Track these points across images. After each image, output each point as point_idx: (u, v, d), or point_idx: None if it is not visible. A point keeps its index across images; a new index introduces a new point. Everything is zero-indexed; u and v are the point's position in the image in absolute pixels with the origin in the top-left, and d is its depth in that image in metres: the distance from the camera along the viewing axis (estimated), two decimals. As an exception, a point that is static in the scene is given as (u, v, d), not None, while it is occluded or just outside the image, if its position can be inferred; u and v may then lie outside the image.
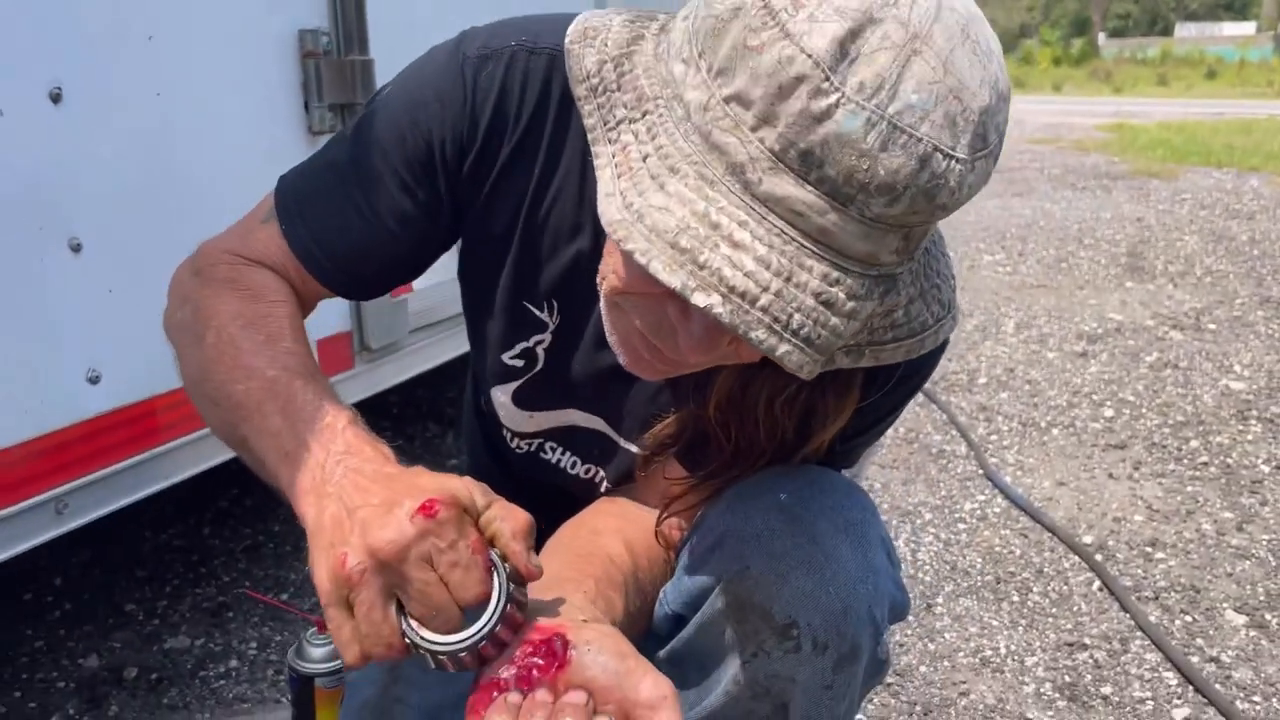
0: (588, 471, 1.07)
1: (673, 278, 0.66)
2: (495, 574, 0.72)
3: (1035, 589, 2.27)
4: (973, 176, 0.68)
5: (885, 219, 0.68)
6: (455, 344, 2.27)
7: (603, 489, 1.07)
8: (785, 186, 0.67)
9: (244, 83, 1.66)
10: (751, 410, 0.92)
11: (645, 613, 0.98)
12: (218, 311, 0.87)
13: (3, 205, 1.30)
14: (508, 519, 0.73)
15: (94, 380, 1.41)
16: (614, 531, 0.99)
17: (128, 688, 1.89)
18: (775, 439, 0.94)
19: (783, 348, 0.67)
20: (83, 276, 1.38)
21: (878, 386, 0.95)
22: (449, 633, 0.72)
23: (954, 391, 3.55)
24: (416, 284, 2.17)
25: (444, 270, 2.28)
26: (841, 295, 0.68)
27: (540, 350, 1.00)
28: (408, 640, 0.71)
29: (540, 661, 0.73)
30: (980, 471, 2.89)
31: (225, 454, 1.65)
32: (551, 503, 1.00)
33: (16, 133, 1.31)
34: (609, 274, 0.80)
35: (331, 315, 1.88)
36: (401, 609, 0.71)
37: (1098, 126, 13.15)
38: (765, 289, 0.66)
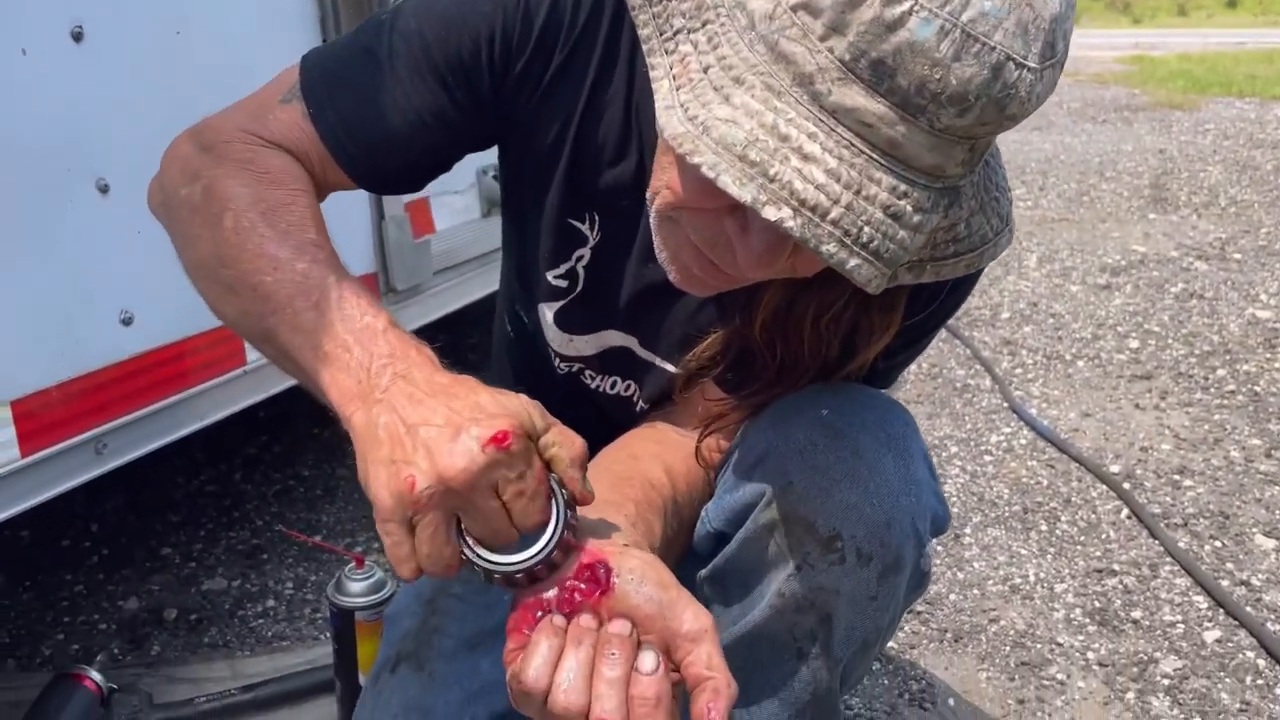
0: (628, 389, 1.07)
1: (743, 191, 0.65)
2: (554, 500, 0.73)
3: (1063, 518, 2.27)
4: (1041, 86, 0.67)
5: (954, 130, 0.67)
6: (478, 285, 2.27)
7: (638, 408, 1.07)
8: (855, 97, 0.65)
9: (262, 18, 1.64)
10: (797, 327, 0.91)
11: (683, 535, 0.99)
12: (235, 194, 0.83)
13: (30, 146, 1.30)
14: (566, 444, 0.73)
15: (127, 322, 1.41)
16: (652, 456, 0.99)
17: (168, 628, 1.91)
18: (820, 356, 0.93)
19: (852, 261, 0.67)
20: (111, 218, 1.38)
21: (922, 304, 0.94)
22: (503, 551, 0.73)
23: (977, 326, 3.53)
24: (439, 225, 2.17)
25: (466, 211, 2.29)
26: (909, 208, 0.67)
27: (580, 269, 1.00)
28: (464, 558, 0.73)
29: (583, 586, 0.73)
30: (1005, 405, 2.88)
31: (258, 395, 1.66)
32: (588, 426, 1.00)
33: (40, 72, 1.30)
34: (662, 189, 0.78)
35: (356, 257, 1.88)
36: (459, 527, 0.72)
37: (1116, 59, 12.90)
38: (835, 202, 0.65)
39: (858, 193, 0.66)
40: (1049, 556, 2.12)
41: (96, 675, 1.55)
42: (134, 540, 2.21)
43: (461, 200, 2.19)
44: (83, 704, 1.52)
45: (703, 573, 0.97)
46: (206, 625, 1.92)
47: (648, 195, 0.82)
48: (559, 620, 0.72)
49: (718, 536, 0.96)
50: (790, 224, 0.65)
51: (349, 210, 1.83)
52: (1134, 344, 3.30)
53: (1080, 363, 3.18)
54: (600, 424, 1.05)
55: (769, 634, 0.91)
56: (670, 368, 1.02)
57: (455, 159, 0.96)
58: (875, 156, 0.66)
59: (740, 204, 0.66)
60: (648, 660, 0.69)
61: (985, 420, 2.80)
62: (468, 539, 0.72)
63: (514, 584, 0.74)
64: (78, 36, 1.33)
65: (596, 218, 0.96)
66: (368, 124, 0.89)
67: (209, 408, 1.56)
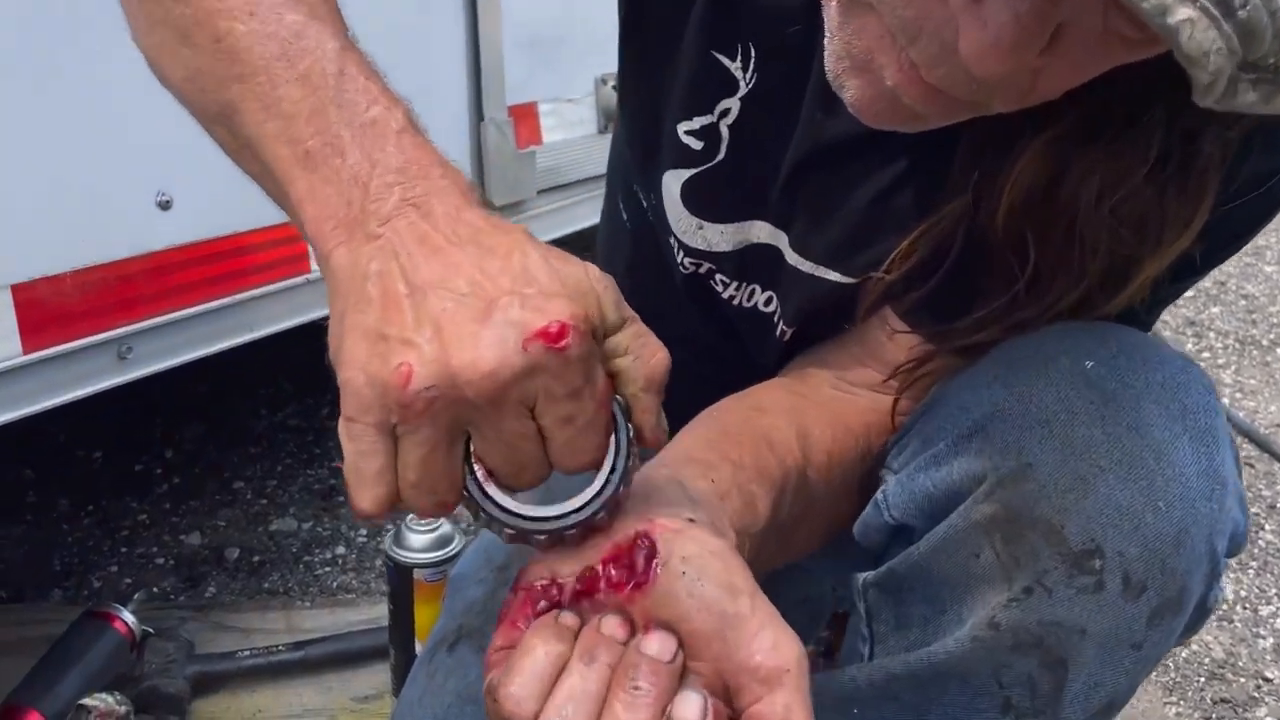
0: (768, 303, 0.80)
1: None
2: (614, 435, 0.51)
3: (1268, 527, 1.97)
4: None
5: None
6: (588, 211, 2.03)
7: (778, 332, 0.80)
8: None
9: None
10: (1066, 213, 0.63)
11: (811, 526, 0.72)
12: None
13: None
14: (642, 354, 0.51)
15: (164, 206, 1.21)
16: (785, 411, 0.72)
17: (228, 569, 1.80)
18: (1097, 263, 0.64)
19: (1183, 11, 0.39)
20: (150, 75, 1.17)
21: (1231, 194, 0.65)
22: (526, 496, 0.52)
23: (1154, 302, 3.14)
24: (548, 137, 1.93)
25: (580, 124, 2.02)
26: None
27: (724, 127, 0.74)
28: (467, 495, 0.51)
29: (611, 572, 0.52)
30: (1191, 391, 2.51)
31: (322, 309, 1.44)
32: (713, 348, 0.73)
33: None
34: None
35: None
36: (466, 448, 0.50)
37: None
38: None
39: None
40: (1251, 572, 1.83)
41: (129, 616, 1.39)
42: (207, 471, 2.10)
43: (575, 111, 1.94)
44: (109, 647, 1.37)
45: (868, 576, 0.70)
46: (268, 569, 1.80)
47: None
48: (568, 619, 0.52)
49: (896, 529, 0.69)
50: None
51: (442, 107, 1.60)
52: (1344, 331, 2.88)
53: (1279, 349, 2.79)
54: (728, 346, 0.79)
55: (963, 673, 0.64)
56: (835, 276, 0.74)
57: None
58: None
59: None
60: (690, 706, 0.47)
61: (1167, 407, 2.44)
62: (475, 467, 0.50)
63: (527, 543, 0.53)
64: None
65: (752, 53, 0.71)
66: None
67: (261, 318, 1.34)
